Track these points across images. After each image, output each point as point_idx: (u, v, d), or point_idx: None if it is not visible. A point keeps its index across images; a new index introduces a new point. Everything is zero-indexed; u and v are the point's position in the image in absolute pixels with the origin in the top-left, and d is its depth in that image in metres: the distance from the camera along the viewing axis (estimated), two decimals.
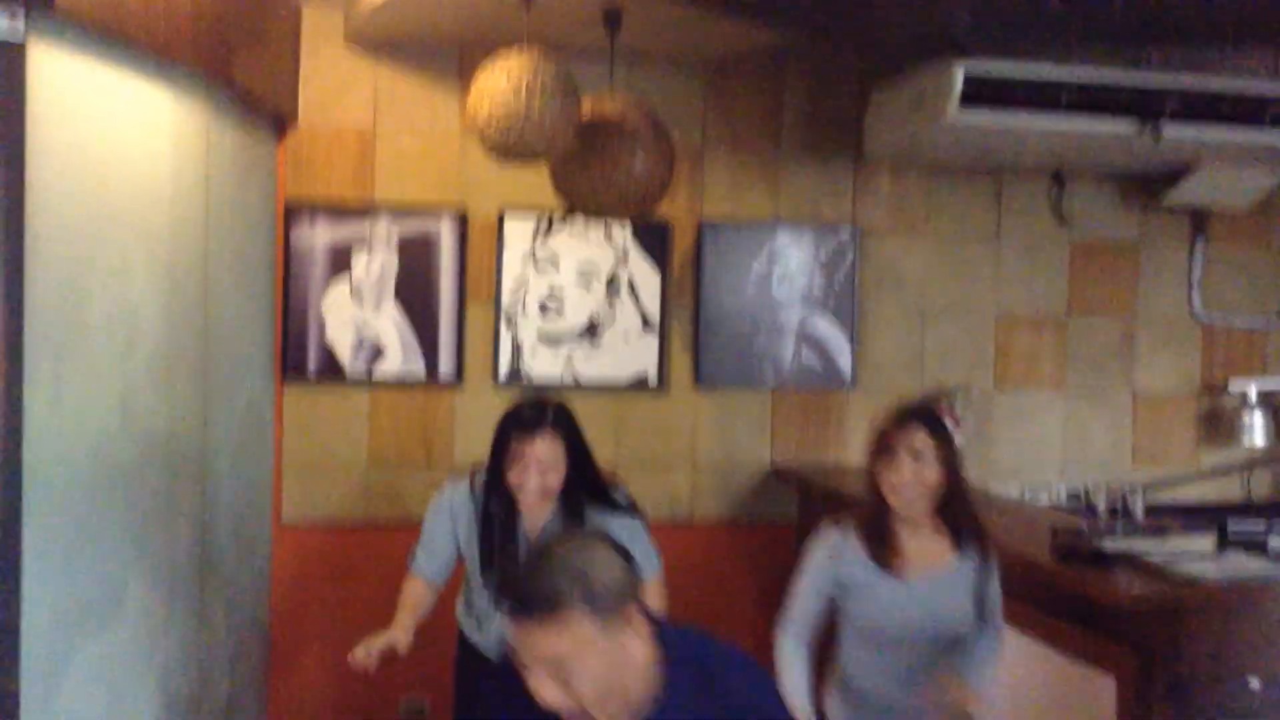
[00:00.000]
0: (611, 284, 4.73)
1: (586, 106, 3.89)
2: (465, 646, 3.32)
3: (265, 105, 4.18)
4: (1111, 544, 3.15)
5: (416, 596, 3.15)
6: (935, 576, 2.80)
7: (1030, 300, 5.07)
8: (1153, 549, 3.11)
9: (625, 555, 1.75)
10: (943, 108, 4.02)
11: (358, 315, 4.58)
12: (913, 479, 2.71)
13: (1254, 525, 3.79)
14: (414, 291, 4.61)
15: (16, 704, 2.55)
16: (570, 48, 4.00)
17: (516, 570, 1.75)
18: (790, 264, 4.83)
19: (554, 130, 3.65)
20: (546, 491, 3.04)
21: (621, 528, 3.02)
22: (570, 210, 4.24)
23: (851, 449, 4.77)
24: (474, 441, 4.20)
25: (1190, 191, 4.77)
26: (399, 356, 4.60)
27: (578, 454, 3.07)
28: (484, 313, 4.66)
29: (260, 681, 4.48)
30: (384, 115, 4.58)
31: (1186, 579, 2.89)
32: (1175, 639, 2.86)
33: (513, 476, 3.02)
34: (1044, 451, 5.07)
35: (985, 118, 4.04)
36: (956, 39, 4.09)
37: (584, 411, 4.71)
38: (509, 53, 3.71)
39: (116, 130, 2.99)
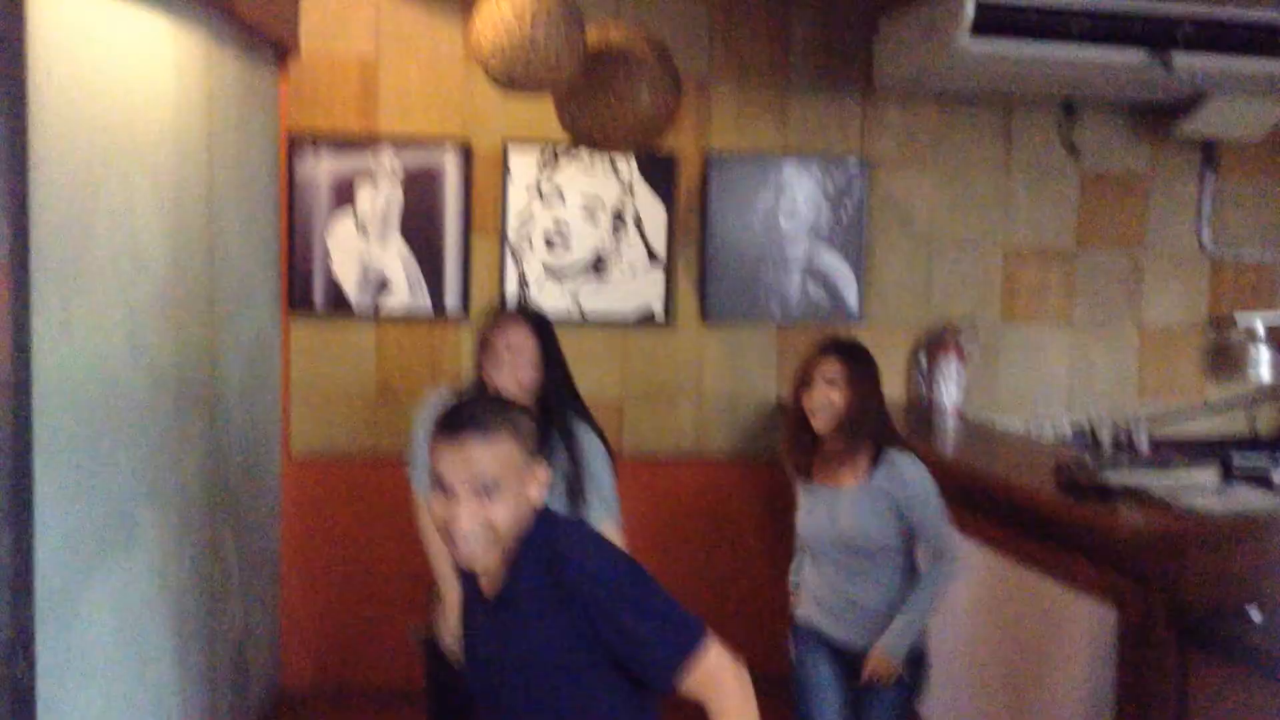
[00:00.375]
0: (617, 218, 4.70)
1: (592, 36, 3.83)
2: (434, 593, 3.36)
3: (266, 34, 4.13)
4: (1115, 477, 3.16)
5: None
6: (843, 490, 3.07)
7: (1038, 233, 5.04)
8: (1156, 482, 3.12)
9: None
10: (953, 36, 3.96)
11: (363, 249, 4.56)
12: (825, 403, 3.03)
13: (1258, 459, 3.81)
14: (419, 225, 4.59)
15: (33, 633, 2.59)
16: None
17: (458, 407, 1.95)
18: (798, 197, 4.80)
19: (559, 60, 3.60)
20: (520, 382, 3.05)
21: (594, 450, 3.06)
22: (575, 142, 4.21)
23: None
24: None
25: (1201, 122, 4.72)
26: (405, 291, 4.60)
27: (550, 353, 3.11)
28: (489, 247, 4.65)
29: (272, 609, 4.54)
30: (386, 44, 4.53)
31: (1189, 512, 2.90)
32: (1178, 571, 2.88)
33: (487, 367, 3.07)
34: (1050, 385, 5.08)
35: (996, 46, 3.99)
36: None
37: (590, 346, 4.76)
38: None
39: (118, 60, 2.96)
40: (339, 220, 4.54)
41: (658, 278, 4.74)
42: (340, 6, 4.49)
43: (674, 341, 4.79)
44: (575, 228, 4.68)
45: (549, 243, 4.67)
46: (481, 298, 4.63)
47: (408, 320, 4.61)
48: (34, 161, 2.53)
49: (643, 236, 4.72)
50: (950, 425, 4.55)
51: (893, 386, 4.77)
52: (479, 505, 1.77)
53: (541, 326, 3.12)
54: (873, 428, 3.06)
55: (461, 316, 4.62)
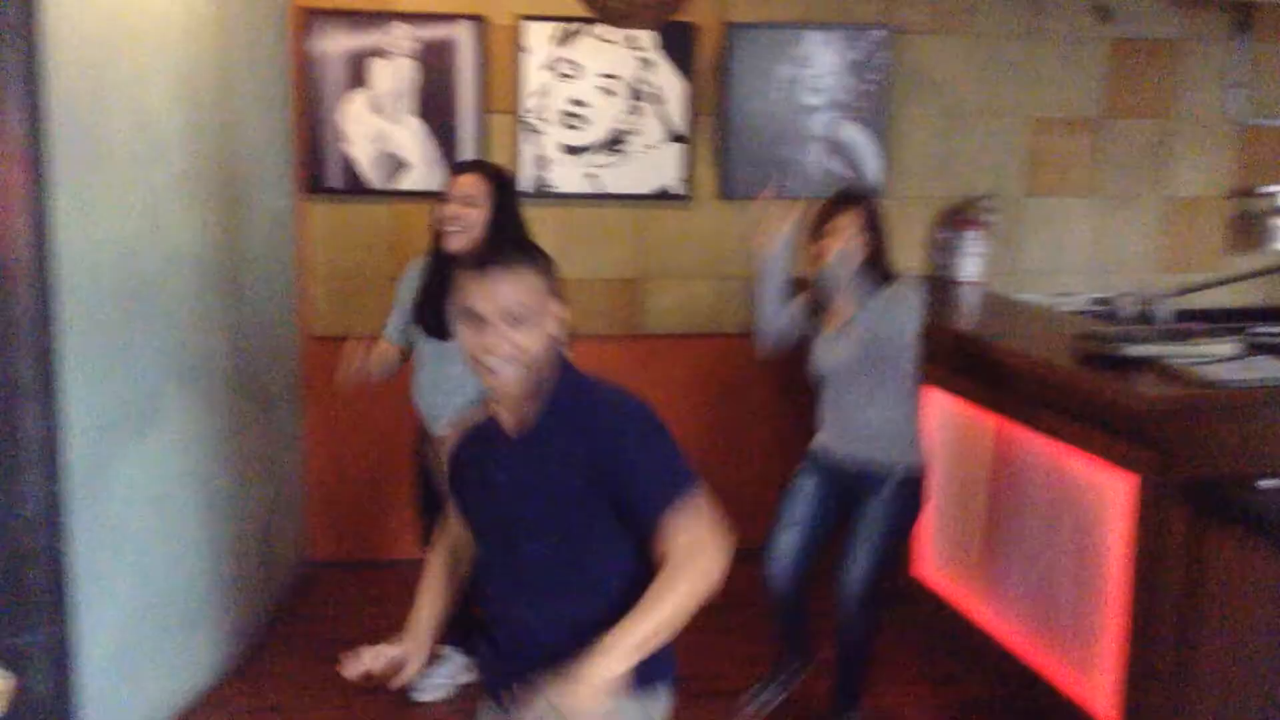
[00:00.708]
0: (635, 94, 4.63)
1: None
2: (422, 433, 3.54)
3: None
4: (1134, 349, 3.15)
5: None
6: (841, 328, 3.32)
7: (1065, 102, 4.93)
8: (1176, 353, 3.11)
9: None
10: None
11: (377, 127, 4.52)
12: (823, 252, 3.29)
13: (1278, 329, 3.78)
14: (433, 102, 4.53)
15: (63, 508, 2.66)
16: None
17: (483, 247, 2.19)
18: (820, 67, 4.70)
19: None
20: (466, 226, 3.22)
21: None
22: (596, 17, 4.12)
23: None
24: None
25: None
26: (421, 169, 4.56)
27: (504, 201, 3.25)
28: (505, 123, 4.59)
29: (296, 487, 4.63)
30: None
31: (1207, 382, 2.90)
32: (1195, 440, 2.89)
33: (443, 214, 3.26)
34: (1073, 257, 5.03)
35: None
36: None
37: (607, 224, 4.73)
38: None
39: None
40: (353, 99, 4.49)
41: (676, 154, 4.68)
42: None
43: (693, 218, 4.76)
44: (593, 104, 4.61)
45: (567, 120, 4.61)
46: None
47: (424, 198, 4.59)
48: (46, 38, 2.50)
49: (662, 111, 4.65)
50: (970, 298, 4.53)
51: (913, 259, 4.74)
52: (510, 330, 1.89)
53: (499, 180, 3.27)
54: (874, 274, 3.28)
55: None
